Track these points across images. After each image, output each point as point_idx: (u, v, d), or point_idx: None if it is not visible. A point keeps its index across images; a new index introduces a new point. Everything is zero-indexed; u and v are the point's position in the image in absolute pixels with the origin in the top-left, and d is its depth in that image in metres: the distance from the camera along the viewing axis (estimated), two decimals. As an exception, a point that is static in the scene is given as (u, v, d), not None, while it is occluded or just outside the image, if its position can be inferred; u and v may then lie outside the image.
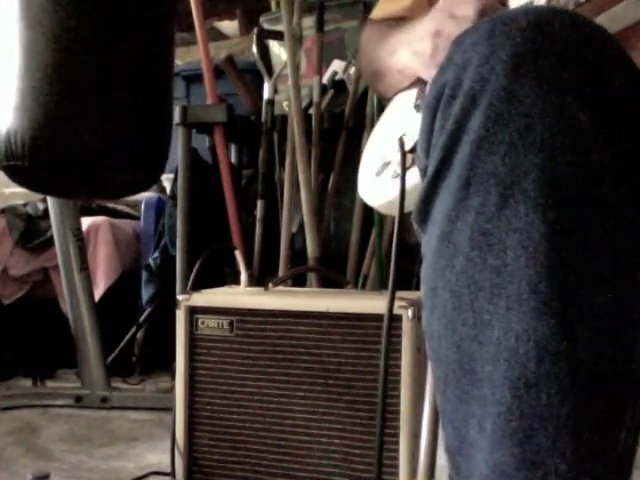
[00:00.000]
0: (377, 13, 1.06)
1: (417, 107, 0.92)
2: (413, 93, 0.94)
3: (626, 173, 0.57)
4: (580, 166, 0.56)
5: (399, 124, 0.92)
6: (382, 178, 0.90)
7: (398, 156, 0.84)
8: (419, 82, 0.94)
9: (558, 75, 0.57)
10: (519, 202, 0.56)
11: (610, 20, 0.74)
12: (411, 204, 0.70)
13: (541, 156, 0.56)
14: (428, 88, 0.91)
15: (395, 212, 0.84)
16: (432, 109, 0.64)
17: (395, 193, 0.83)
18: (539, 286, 0.55)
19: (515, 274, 0.56)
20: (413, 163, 0.83)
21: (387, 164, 0.90)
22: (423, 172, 0.67)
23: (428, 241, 0.64)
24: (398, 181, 0.83)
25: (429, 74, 0.87)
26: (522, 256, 0.56)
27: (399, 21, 0.97)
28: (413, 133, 0.86)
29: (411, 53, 0.89)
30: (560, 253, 0.55)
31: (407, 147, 0.85)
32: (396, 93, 1.00)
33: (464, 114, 0.59)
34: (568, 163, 0.56)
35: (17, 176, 1.72)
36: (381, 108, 2.14)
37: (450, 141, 0.60)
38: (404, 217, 0.83)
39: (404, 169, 0.82)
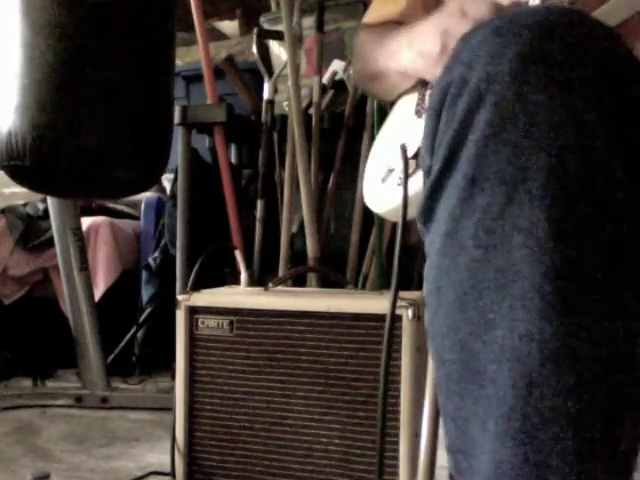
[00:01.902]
0: (371, 17, 1.06)
1: (418, 113, 0.92)
2: (414, 98, 0.94)
3: (634, 173, 0.57)
4: (587, 166, 0.56)
5: (401, 130, 0.92)
6: (387, 185, 0.90)
7: (402, 163, 0.84)
8: (419, 84, 0.94)
9: (565, 74, 0.57)
10: (524, 201, 0.56)
11: (607, 14, 0.74)
12: (415, 210, 0.70)
13: (547, 155, 0.56)
14: (430, 87, 0.91)
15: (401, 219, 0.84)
16: (437, 107, 0.63)
17: (400, 200, 0.83)
18: (544, 286, 0.55)
19: (520, 274, 0.56)
20: (416, 169, 0.83)
21: (391, 171, 0.90)
22: (427, 172, 0.67)
23: (432, 240, 0.64)
24: None
25: (436, 74, 0.87)
26: (527, 256, 0.56)
27: (395, 25, 0.97)
28: (415, 139, 0.86)
29: (416, 55, 0.88)
30: (565, 253, 0.55)
31: (410, 154, 0.85)
32: (397, 96, 1.00)
33: (470, 112, 0.59)
34: (575, 163, 0.56)
35: (18, 176, 1.73)
36: (381, 108, 2.14)
37: (456, 139, 0.60)
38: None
39: (406, 176, 0.83)
